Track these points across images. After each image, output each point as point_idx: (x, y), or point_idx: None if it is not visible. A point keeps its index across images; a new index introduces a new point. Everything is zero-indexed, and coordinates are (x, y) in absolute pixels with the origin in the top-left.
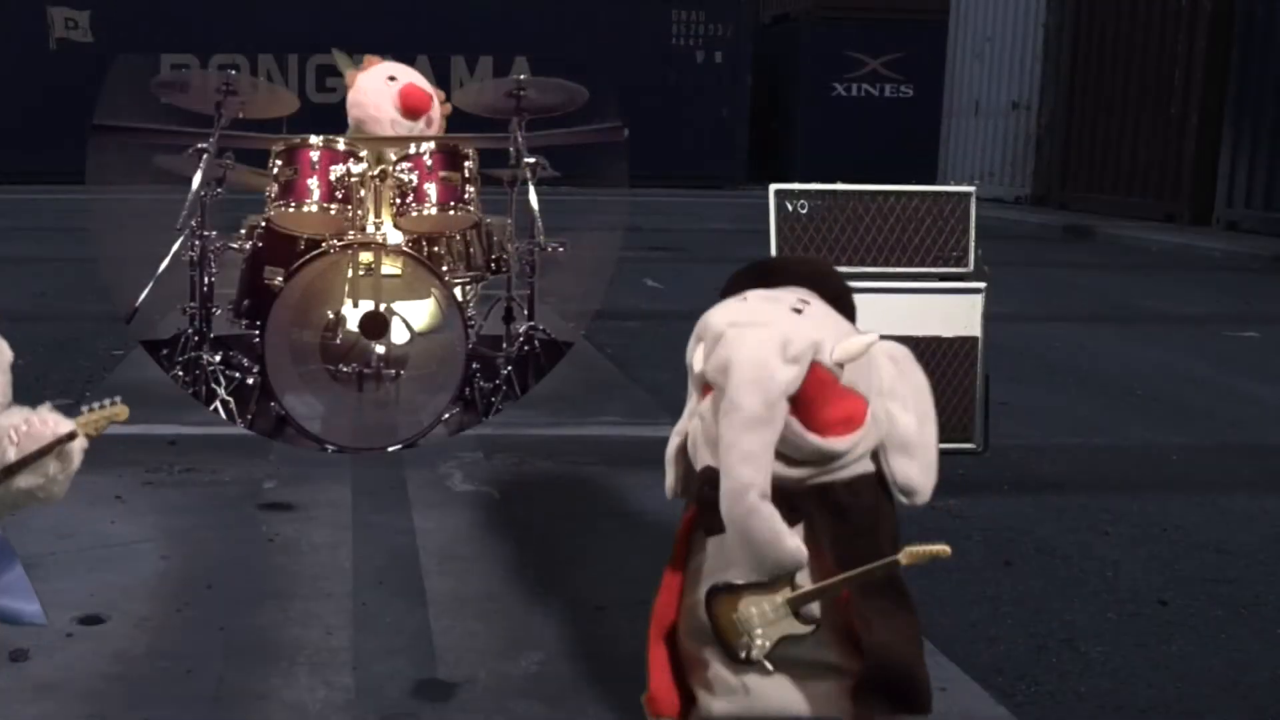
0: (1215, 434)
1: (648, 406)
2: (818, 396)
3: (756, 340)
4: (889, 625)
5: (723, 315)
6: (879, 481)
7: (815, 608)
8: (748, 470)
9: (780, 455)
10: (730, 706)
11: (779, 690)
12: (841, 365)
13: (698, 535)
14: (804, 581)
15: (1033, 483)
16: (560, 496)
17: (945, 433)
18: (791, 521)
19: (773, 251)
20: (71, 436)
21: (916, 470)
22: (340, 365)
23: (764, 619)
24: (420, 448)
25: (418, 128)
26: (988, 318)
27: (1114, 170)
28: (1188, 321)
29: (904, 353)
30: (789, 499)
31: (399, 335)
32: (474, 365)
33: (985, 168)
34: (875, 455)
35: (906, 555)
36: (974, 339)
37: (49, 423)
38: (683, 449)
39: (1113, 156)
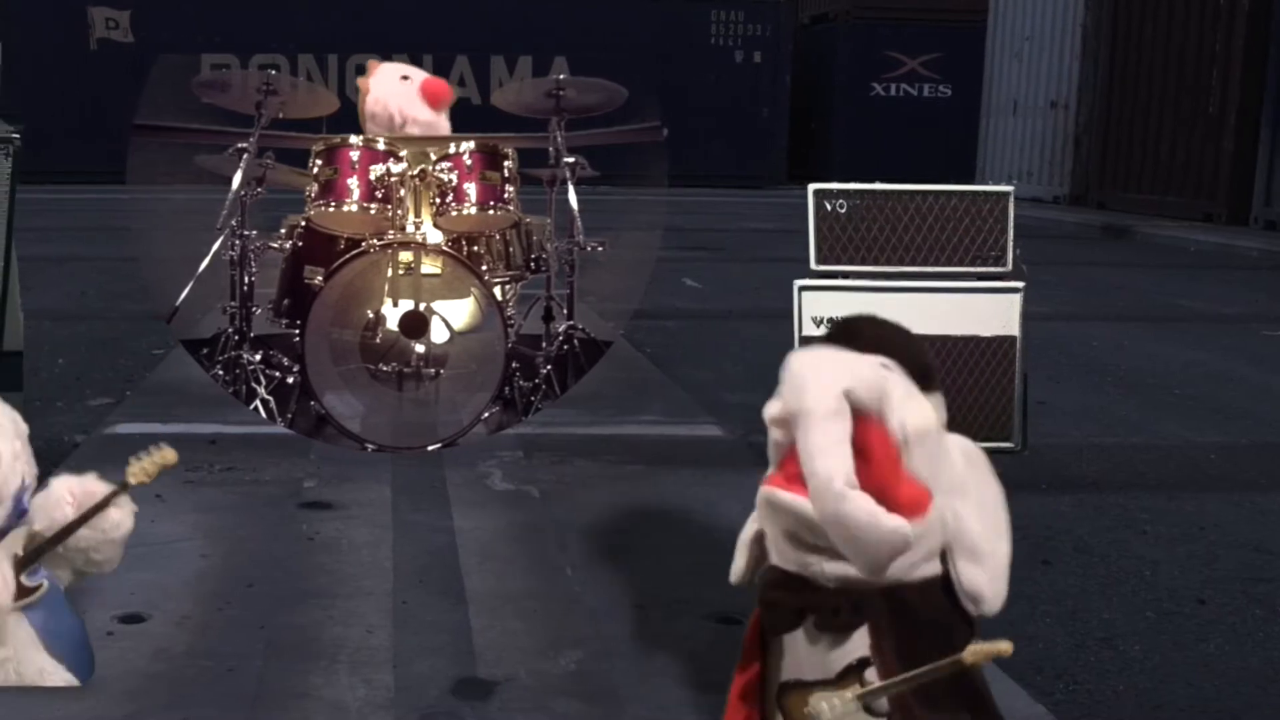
0: (1253, 433)
1: (687, 406)
2: (880, 464)
3: (817, 359)
4: None
5: (796, 361)
6: (949, 588)
7: (884, 704)
8: (827, 462)
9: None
10: None
11: None
12: (906, 441)
13: (771, 638)
14: (873, 680)
15: (1071, 482)
16: (600, 495)
17: (983, 432)
18: (855, 625)
19: (811, 250)
20: (125, 486)
21: (985, 578)
22: (380, 364)
23: (834, 712)
24: (460, 447)
25: (444, 119)
26: (1026, 317)
27: (1152, 170)
28: (1226, 321)
29: (978, 454)
30: (855, 601)
31: (439, 334)
32: (513, 364)
33: (1023, 167)
34: (944, 558)
35: (970, 654)
36: (1012, 338)
37: (92, 481)
38: (759, 538)
39: (1150, 156)
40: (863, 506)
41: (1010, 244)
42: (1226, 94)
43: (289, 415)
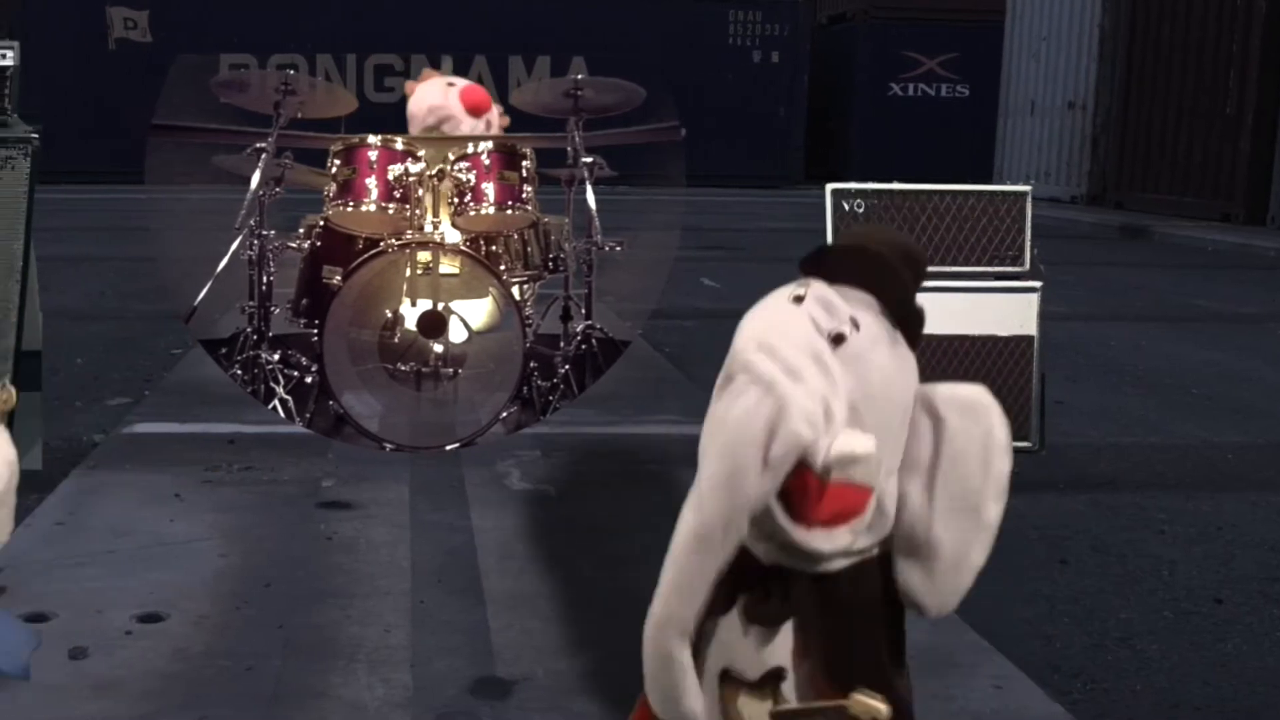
0: (1271, 433)
1: (705, 405)
2: (802, 498)
3: (743, 420)
4: None
5: (749, 334)
6: (886, 568)
7: None
8: (678, 603)
9: (765, 537)
10: None
11: None
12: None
13: (710, 621)
14: (789, 694)
15: (1088, 481)
16: (618, 495)
17: None
18: (784, 615)
19: None
20: None
21: (928, 588)
22: (398, 364)
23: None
24: (478, 446)
25: (479, 128)
26: (1044, 317)
27: (1169, 170)
28: (1243, 320)
29: (968, 404)
30: (784, 586)
31: (457, 334)
32: (532, 364)
33: (1041, 167)
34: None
35: (855, 704)
36: (1030, 338)
37: None
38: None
39: (1168, 156)
40: (677, 678)
41: (1028, 244)
42: (1244, 95)
43: (307, 415)
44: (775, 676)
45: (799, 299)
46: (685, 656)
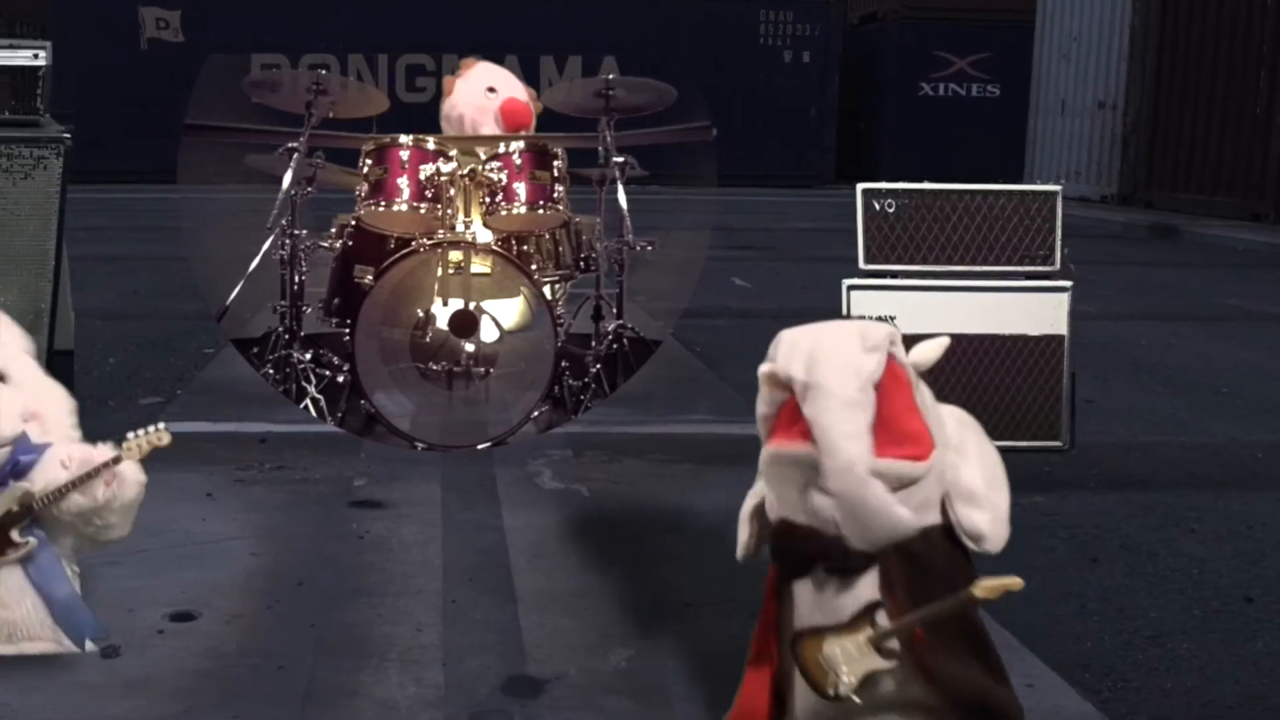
0: None
1: (736, 405)
2: (895, 398)
3: (835, 334)
4: (959, 661)
5: (792, 333)
6: (950, 533)
7: (895, 644)
8: (854, 446)
9: None
10: None
11: None
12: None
13: (784, 586)
14: (884, 622)
15: (1118, 480)
16: (649, 494)
17: (1031, 431)
18: (865, 567)
19: (860, 250)
20: (117, 460)
21: (985, 519)
22: (430, 363)
23: (848, 656)
24: (510, 445)
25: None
26: (1074, 316)
27: (1199, 169)
28: (1273, 320)
29: (971, 420)
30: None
31: (488, 333)
32: (563, 363)
33: (1071, 167)
34: (944, 509)
35: (980, 589)
36: (1060, 337)
37: (98, 450)
38: (759, 510)
39: (1198, 156)
40: (879, 494)
41: (1058, 243)
42: (1274, 95)
43: (339, 414)
44: (870, 609)
45: None
46: (879, 483)
